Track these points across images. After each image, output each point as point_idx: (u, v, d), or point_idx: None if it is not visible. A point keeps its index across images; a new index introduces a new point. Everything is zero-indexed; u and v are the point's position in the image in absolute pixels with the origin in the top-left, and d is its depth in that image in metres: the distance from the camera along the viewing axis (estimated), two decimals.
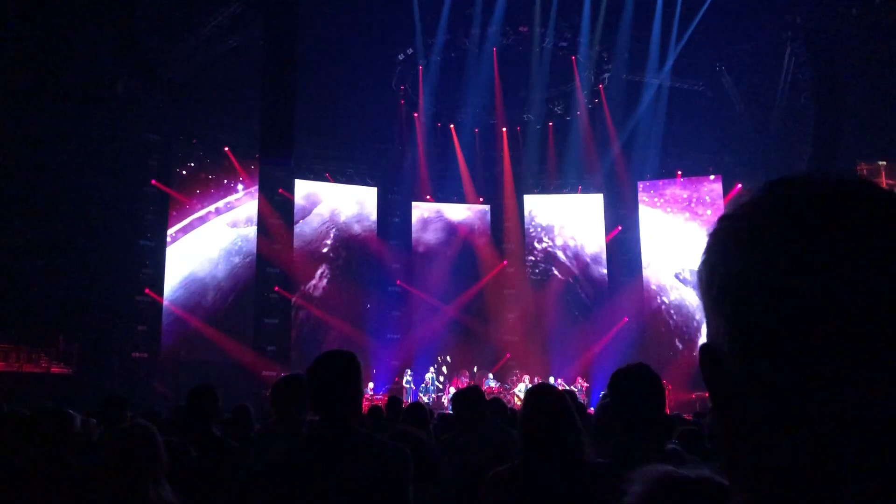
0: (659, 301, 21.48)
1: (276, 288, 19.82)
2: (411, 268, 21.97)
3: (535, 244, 22.72)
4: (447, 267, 22.21)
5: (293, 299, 20.09)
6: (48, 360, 15.73)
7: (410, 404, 6.01)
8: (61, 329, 15.92)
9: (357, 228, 21.40)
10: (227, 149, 19.19)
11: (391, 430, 3.70)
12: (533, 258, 22.62)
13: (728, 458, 0.66)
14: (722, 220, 0.69)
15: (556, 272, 22.46)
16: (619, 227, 22.21)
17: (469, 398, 4.14)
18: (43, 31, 15.56)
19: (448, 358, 21.54)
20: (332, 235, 21.10)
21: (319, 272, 20.74)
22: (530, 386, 2.89)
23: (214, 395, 3.96)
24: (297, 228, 20.47)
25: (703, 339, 0.70)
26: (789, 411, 0.60)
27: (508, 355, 21.72)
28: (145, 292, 17.71)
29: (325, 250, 20.96)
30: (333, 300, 20.71)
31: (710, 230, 0.70)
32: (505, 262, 22.76)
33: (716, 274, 0.66)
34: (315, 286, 20.60)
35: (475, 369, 20.57)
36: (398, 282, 21.67)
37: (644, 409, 2.58)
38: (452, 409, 4.16)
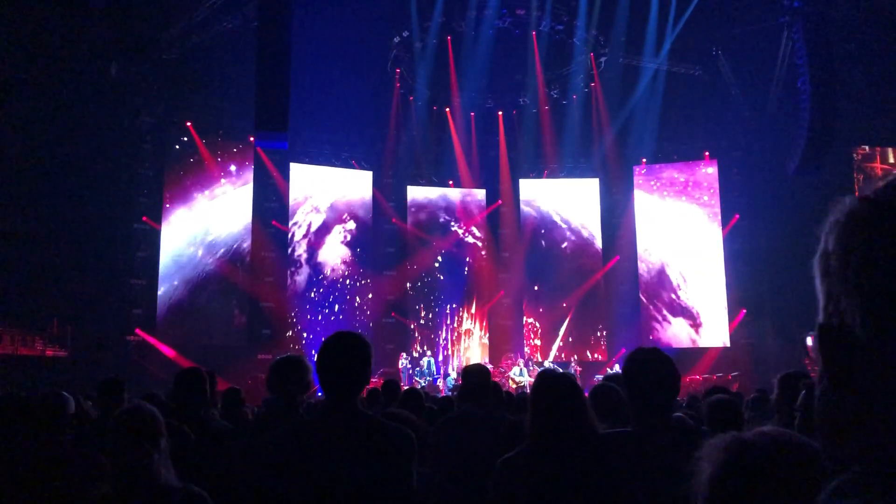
0: (654, 286, 21.52)
1: (270, 271, 19.83)
2: (406, 252, 21.95)
3: (530, 228, 22.70)
4: (442, 251, 22.24)
5: (288, 282, 20.09)
6: (43, 343, 15.74)
7: (406, 390, 6.03)
8: (55, 312, 15.91)
9: (352, 212, 21.33)
10: (221, 131, 19.12)
11: (384, 412, 3.72)
12: (527, 242, 22.61)
13: (843, 434, 0.70)
14: (863, 200, 0.70)
15: (550, 256, 22.47)
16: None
17: (479, 370, 4.36)
18: (35, 11, 15.42)
19: (443, 341, 21.64)
20: (326, 218, 21.03)
21: (314, 255, 20.70)
22: (540, 371, 2.96)
23: (203, 378, 3.95)
24: (291, 211, 20.40)
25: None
26: None
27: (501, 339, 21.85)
28: (139, 276, 17.69)
29: (320, 233, 20.90)
30: (328, 283, 20.72)
31: (846, 209, 0.71)
32: (500, 247, 22.79)
33: (854, 254, 0.68)
34: (310, 269, 20.57)
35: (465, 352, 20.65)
36: (392, 265, 21.66)
37: (661, 396, 2.60)
38: (462, 381, 4.35)
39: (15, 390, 4.89)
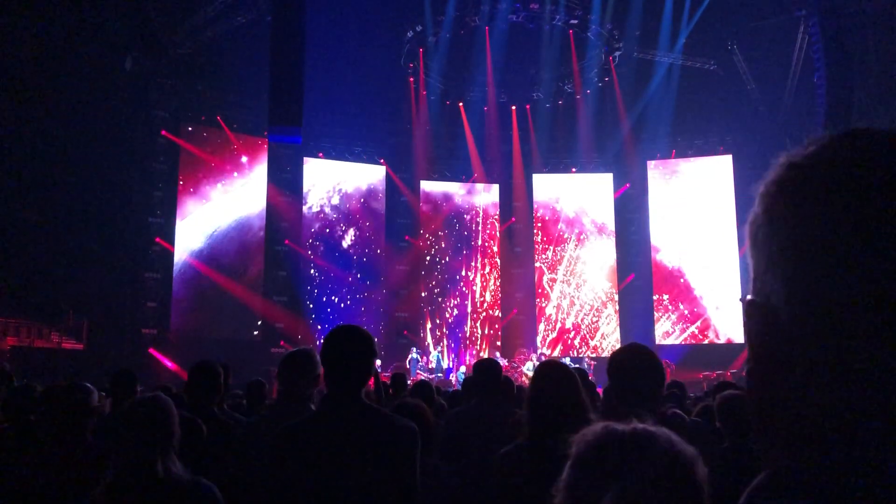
0: (669, 281, 21.43)
1: (284, 264, 19.93)
2: (419, 247, 21.96)
3: (544, 223, 22.65)
4: (456, 246, 22.24)
5: (302, 275, 20.11)
6: (59, 336, 15.87)
7: (417, 382, 6.06)
8: (71, 304, 16.04)
9: (365, 207, 21.36)
10: (234, 125, 19.18)
11: (398, 403, 3.73)
12: (541, 237, 22.57)
13: (766, 414, 0.64)
14: (791, 168, 0.64)
15: (564, 251, 22.42)
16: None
17: (490, 365, 4.36)
18: (50, 6, 15.52)
19: (458, 336, 21.64)
20: (340, 214, 21.08)
21: (329, 252, 20.73)
22: (539, 363, 2.98)
23: (217, 372, 3.95)
24: (305, 206, 20.47)
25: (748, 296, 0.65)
26: (853, 370, 0.57)
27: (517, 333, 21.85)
28: (154, 269, 17.78)
29: (333, 228, 20.95)
30: (343, 283, 20.75)
31: (776, 177, 0.65)
32: (514, 241, 22.75)
33: (777, 230, 0.62)
34: (325, 266, 20.61)
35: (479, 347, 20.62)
36: (406, 260, 21.68)
37: (645, 388, 2.60)
38: (473, 375, 4.36)
39: (32, 383, 4.95)
